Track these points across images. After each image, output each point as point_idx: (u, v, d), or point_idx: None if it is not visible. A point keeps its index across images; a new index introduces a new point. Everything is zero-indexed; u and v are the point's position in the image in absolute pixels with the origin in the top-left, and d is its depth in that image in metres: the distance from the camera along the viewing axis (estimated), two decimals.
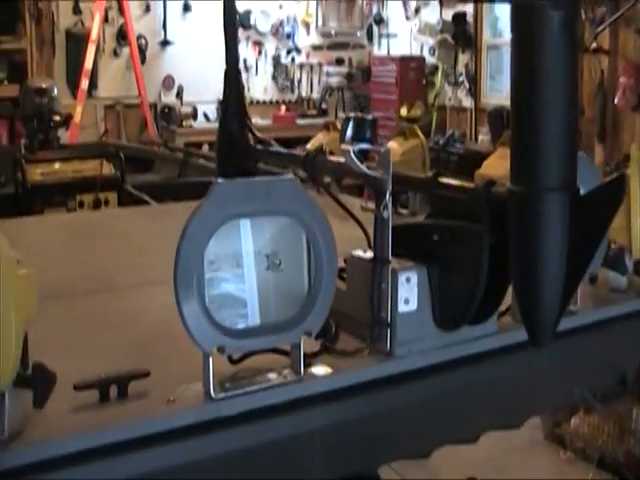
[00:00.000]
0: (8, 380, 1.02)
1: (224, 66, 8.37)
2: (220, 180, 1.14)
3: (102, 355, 1.36)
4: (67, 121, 5.98)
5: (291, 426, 1.22)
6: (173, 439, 1.13)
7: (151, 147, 6.82)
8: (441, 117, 8.99)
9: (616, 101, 6.28)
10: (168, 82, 9.20)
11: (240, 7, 9.31)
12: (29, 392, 1.08)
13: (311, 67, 10.27)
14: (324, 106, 10.29)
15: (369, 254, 1.35)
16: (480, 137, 8.33)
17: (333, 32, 10.17)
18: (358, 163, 1.25)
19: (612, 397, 1.78)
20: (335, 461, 1.27)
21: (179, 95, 9.24)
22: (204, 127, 9.32)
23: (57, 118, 5.80)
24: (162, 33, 8.99)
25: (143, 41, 8.81)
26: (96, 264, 2.07)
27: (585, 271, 1.10)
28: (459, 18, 8.33)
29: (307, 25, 10.06)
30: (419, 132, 2.82)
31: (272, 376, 1.23)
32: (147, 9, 8.81)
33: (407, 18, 9.36)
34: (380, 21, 9.95)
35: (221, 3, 7.95)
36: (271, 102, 10.00)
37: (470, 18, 8.27)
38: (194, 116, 9.40)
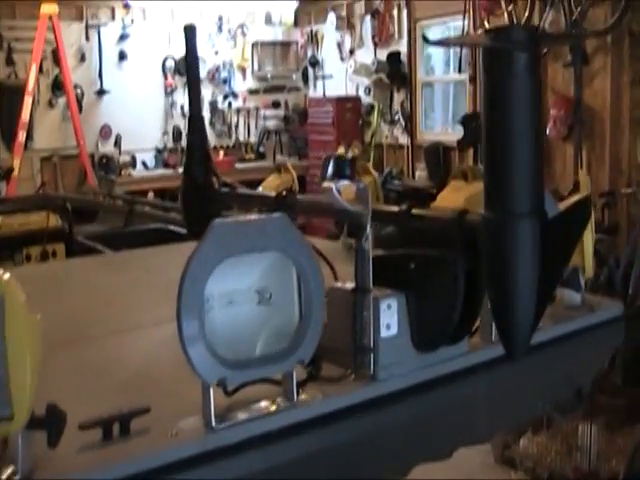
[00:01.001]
0: (23, 422, 1.05)
1: (161, 113, 8.43)
2: (217, 220, 1.21)
3: (94, 400, 1.39)
4: (8, 175, 5.94)
5: (289, 451, 1.28)
6: (178, 471, 1.18)
7: (95, 197, 6.79)
8: (379, 155, 9.21)
9: (547, 132, 6.57)
10: (105, 131, 9.20)
11: (176, 54, 9.43)
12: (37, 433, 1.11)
13: (248, 111, 10.41)
14: (262, 150, 10.43)
15: (348, 285, 1.43)
16: (417, 173, 8.57)
17: (269, 76, 10.36)
18: (340, 199, 1.34)
19: (559, 414, 1.88)
20: None
21: (117, 144, 9.24)
22: (143, 175, 9.34)
23: None
24: (98, 82, 9.01)
25: (79, 91, 8.81)
26: (65, 315, 2.08)
27: (555, 288, 1.20)
28: (393, 57, 8.61)
29: (243, 70, 10.23)
30: (371, 169, 2.95)
31: (266, 404, 1.29)
32: (82, 58, 8.83)
33: (342, 59, 9.61)
34: (315, 63, 10.19)
35: (155, 52, 8.02)
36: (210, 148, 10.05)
37: (404, 57, 8.54)
38: (133, 165, 9.41)
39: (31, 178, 8.57)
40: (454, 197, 1.81)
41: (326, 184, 1.40)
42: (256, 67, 10.29)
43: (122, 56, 9.13)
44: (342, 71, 9.59)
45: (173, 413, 1.28)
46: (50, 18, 7.83)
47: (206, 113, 10.06)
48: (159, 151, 9.62)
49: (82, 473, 1.12)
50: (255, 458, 1.24)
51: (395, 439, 1.44)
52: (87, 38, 8.76)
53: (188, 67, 2.27)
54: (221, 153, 10.08)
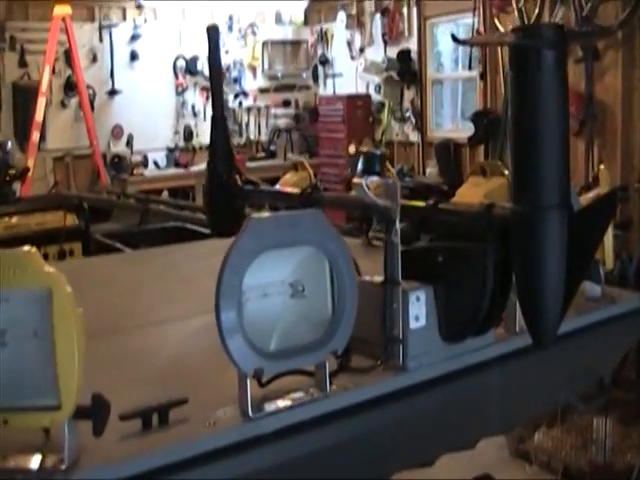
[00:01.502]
0: (70, 412, 1.09)
1: (172, 113, 8.44)
2: (255, 215, 1.24)
3: (129, 391, 1.42)
4: (24, 175, 5.99)
5: (321, 439, 1.32)
6: (216, 459, 1.21)
7: (109, 196, 6.85)
8: (389, 152, 9.23)
9: None
10: (117, 131, 9.25)
11: (187, 54, 9.48)
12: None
13: (258, 110, 10.45)
14: (273, 148, 10.47)
15: (377, 278, 1.46)
16: (428, 170, 8.58)
17: (279, 75, 10.40)
18: (370, 194, 1.37)
19: (582, 404, 1.91)
20: (358, 471, 1.36)
21: (129, 144, 9.29)
22: (155, 175, 9.39)
23: (13, 172, 5.81)
24: (110, 82, 9.06)
25: (91, 91, 8.86)
26: (92, 310, 2.12)
27: (583, 279, 1.23)
28: (404, 55, 8.63)
29: (253, 69, 10.26)
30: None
31: (300, 394, 1.32)
32: (94, 59, 8.88)
33: (352, 58, 9.63)
34: (325, 62, 10.22)
35: (166, 51, 8.06)
36: None
37: (414, 55, 8.56)
38: (145, 164, 9.47)
39: (44, 178, 8.63)
40: (473, 192, 1.84)
41: (356, 180, 1.43)
42: (266, 66, 10.33)
43: (133, 56, 9.18)
44: (352, 69, 9.61)
45: (209, 403, 1.32)
46: (63, 19, 7.87)
47: None
48: (170, 150, 9.67)
49: (124, 461, 1.16)
50: (289, 446, 1.28)
51: (423, 428, 1.47)
52: (100, 39, 8.82)
53: (211, 67, 2.31)
54: None
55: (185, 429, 1.24)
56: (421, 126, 8.64)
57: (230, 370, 1.33)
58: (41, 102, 7.80)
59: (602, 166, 1.96)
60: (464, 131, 7.90)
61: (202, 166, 10.12)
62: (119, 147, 9.28)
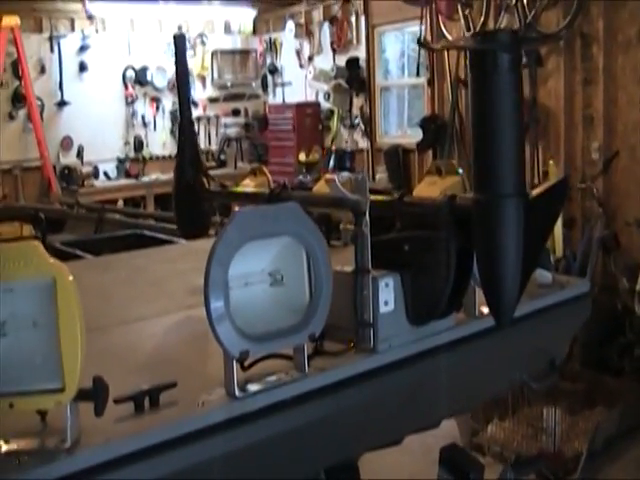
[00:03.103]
0: (72, 394, 1.17)
1: (122, 124, 8.44)
2: (240, 208, 1.34)
3: (121, 379, 1.49)
4: None
5: (301, 416, 1.42)
6: (205, 437, 1.30)
7: (62, 207, 6.83)
8: (339, 160, 9.36)
9: None
10: (67, 143, 9.20)
11: (136, 64, 9.49)
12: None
13: (208, 120, 10.50)
14: (223, 157, 10.53)
15: (347, 268, 1.57)
16: (378, 176, 8.75)
17: (229, 84, 10.47)
18: (342, 189, 1.48)
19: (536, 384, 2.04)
20: (327, 448, 1.47)
21: (79, 155, 9.25)
22: (106, 185, 9.36)
23: None
24: (59, 94, 9.02)
25: (40, 102, 8.80)
26: None
27: (537, 262, 1.35)
28: (352, 63, 8.79)
29: (203, 78, 10.32)
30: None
31: (281, 376, 1.43)
32: (42, 70, 8.82)
33: (301, 66, 9.76)
34: (274, 70, 10.33)
35: (115, 62, 8.06)
36: (170, 157, 10.09)
37: (363, 62, 8.73)
38: (95, 175, 9.43)
39: None
40: (430, 190, 1.96)
41: (328, 175, 1.53)
42: (216, 75, 10.40)
43: (82, 67, 9.15)
44: (301, 78, 9.74)
45: (196, 387, 1.41)
46: (11, 30, 7.82)
47: (167, 122, 10.13)
48: (121, 161, 9.66)
49: (122, 440, 1.24)
50: (272, 424, 1.38)
51: (392, 407, 1.59)
52: (52, 49, 8.77)
53: (178, 75, 2.39)
54: None
55: (175, 410, 1.33)
56: (370, 133, 8.80)
57: (212, 357, 1.43)
58: None
59: (551, 162, 2.11)
60: (412, 137, 8.09)
61: (153, 176, 10.09)
62: (69, 158, 9.23)
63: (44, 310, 1.15)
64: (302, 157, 9.35)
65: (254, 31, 10.60)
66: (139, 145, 9.82)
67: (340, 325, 1.57)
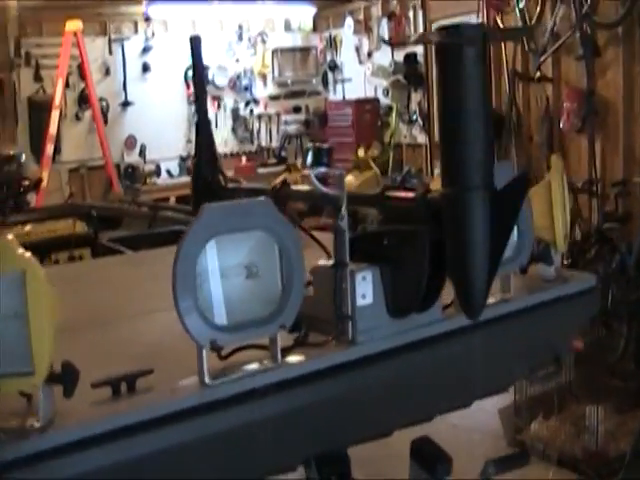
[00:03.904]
0: (42, 377, 1.25)
1: (184, 123, 8.60)
2: (207, 204, 1.39)
3: (108, 368, 1.57)
4: (37, 186, 6.20)
5: (275, 406, 1.46)
6: (178, 422, 1.36)
7: (119, 204, 7.04)
8: (398, 155, 9.35)
9: (562, 125, 6.68)
10: (130, 142, 9.46)
11: None
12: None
13: (269, 117, 10.62)
14: (283, 154, 10.64)
15: (329, 262, 1.61)
16: (436, 171, 8.69)
17: (289, 81, 10.56)
18: (318, 184, 1.52)
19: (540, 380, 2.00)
20: (308, 438, 1.51)
21: (142, 154, 9.50)
22: (167, 183, 9.58)
23: (27, 183, 6.03)
24: (123, 94, 9.28)
25: (104, 103, 9.08)
26: (86, 304, 2.28)
27: (503, 252, 1.36)
28: (410, 58, 8.77)
29: (264, 76, 10.44)
30: (372, 164, 3.09)
31: (255, 365, 1.47)
32: (107, 72, 9.10)
33: (360, 62, 9.78)
34: (334, 67, 10.38)
35: (177, 62, 8.25)
36: (232, 154, 10.27)
37: (421, 57, 8.69)
38: (157, 173, 9.67)
39: (59, 189, 8.85)
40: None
41: (306, 171, 1.57)
42: (276, 73, 10.50)
43: (145, 68, 9.39)
44: (360, 74, 9.77)
45: (175, 376, 1.47)
46: (74, 34, 8.11)
47: (228, 120, 10.31)
48: (183, 159, 9.86)
49: (93, 421, 1.31)
50: (244, 412, 1.42)
51: (375, 400, 1.61)
52: (110, 52, 9.04)
53: (195, 75, 2.46)
54: (243, 159, 10.29)
55: (150, 396, 1.39)
56: (428, 128, 8.76)
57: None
58: (55, 115, 8.03)
59: (554, 155, 2.09)
60: None
61: None
62: (132, 157, 9.49)
63: (17, 301, 1.23)
64: (361, 153, 9.36)
65: (314, 28, 10.67)
66: None
67: (324, 318, 1.61)
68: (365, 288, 1.54)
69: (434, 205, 1.48)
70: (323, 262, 1.63)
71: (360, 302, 1.54)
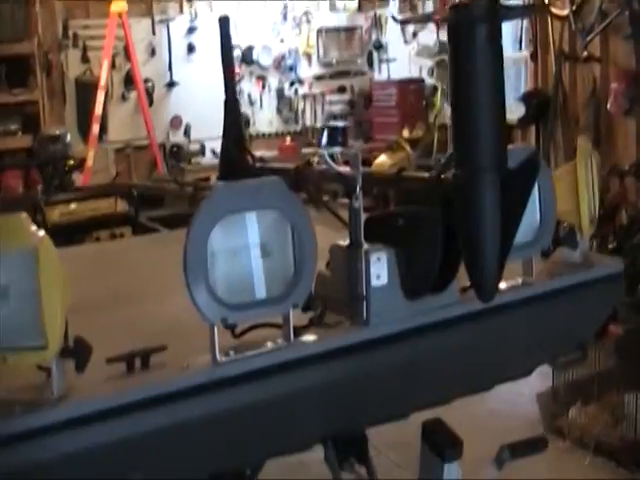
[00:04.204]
0: (55, 351, 1.28)
1: None
2: (221, 182, 1.41)
3: (125, 344, 1.59)
4: (81, 165, 6.29)
5: (285, 385, 1.47)
6: (190, 398, 1.38)
7: (161, 184, 7.12)
8: (443, 136, 9.23)
9: (609, 107, 6.52)
10: (176, 122, 9.51)
11: (242, 44, 9.69)
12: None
13: (314, 97, 10.57)
14: None
15: (347, 242, 1.61)
16: None
17: (334, 61, 10.48)
18: (332, 163, 1.52)
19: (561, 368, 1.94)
20: (322, 418, 1.51)
21: (187, 134, 9.56)
22: (212, 163, 9.61)
23: (71, 162, 6.14)
24: (168, 75, 9.35)
25: (150, 84, 9.15)
26: (112, 281, 2.31)
27: (514, 236, 1.34)
28: None
29: (309, 56, 10.38)
30: (405, 145, 3.06)
31: (268, 344, 1.49)
32: (153, 53, 9.17)
33: (405, 42, 9.67)
34: (379, 47, 10.27)
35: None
36: (277, 134, 10.26)
37: None
38: (202, 153, 9.73)
39: (106, 169, 8.97)
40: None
41: (320, 151, 1.57)
42: (321, 53, 10.43)
43: (190, 48, 9.41)
44: (406, 54, 9.65)
45: (189, 353, 1.49)
46: (119, 15, 8.18)
47: (273, 100, 10.30)
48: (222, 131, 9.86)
49: (106, 395, 1.34)
50: (256, 389, 1.44)
51: (389, 381, 1.61)
52: (154, 32, 9.10)
53: (223, 55, 2.47)
54: (287, 139, 10.28)
55: (162, 372, 1.42)
56: None
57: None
58: (100, 96, 8.13)
59: (581, 137, 2.04)
60: (515, 113, 7.86)
61: (258, 154, 10.30)
62: (178, 137, 9.55)
63: (29, 277, 1.26)
64: (405, 133, 9.28)
65: (359, 8, 10.57)
66: (245, 123, 10.01)
67: (341, 298, 1.61)
68: (380, 269, 1.54)
69: (448, 187, 1.46)
70: (341, 242, 1.63)
71: (374, 283, 1.54)
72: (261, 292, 1.44)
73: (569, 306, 1.91)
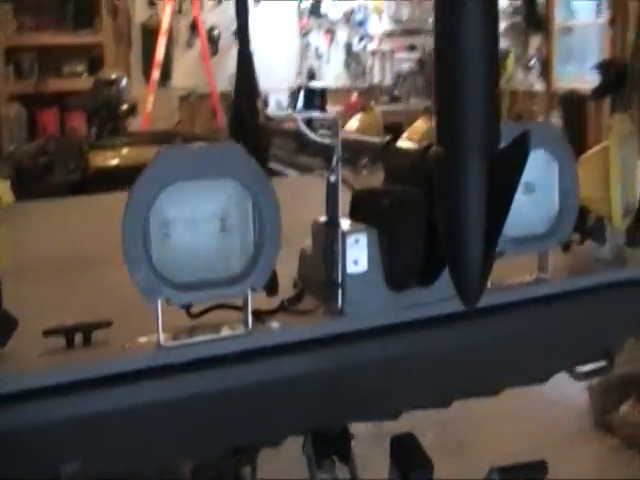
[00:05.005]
0: None
1: (295, 54, 8.41)
2: (165, 147, 1.24)
3: (83, 311, 1.45)
4: (133, 110, 6.24)
5: (239, 377, 1.31)
6: (129, 382, 1.24)
7: (217, 136, 7.03)
8: (514, 103, 8.84)
9: None
10: None
11: None
12: None
13: (383, 54, 10.27)
14: (396, 93, 10.29)
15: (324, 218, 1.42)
16: (552, 121, 8.17)
17: (405, 18, 10.13)
18: (306, 130, 1.33)
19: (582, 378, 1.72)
20: (284, 414, 1.35)
21: None
22: (275, 115, 9.50)
23: (124, 107, 6.09)
24: (234, 24, 9.18)
25: (216, 32, 9.03)
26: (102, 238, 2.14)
27: (501, 227, 1.13)
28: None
29: (379, 12, 10.07)
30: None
31: (223, 329, 1.32)
32: (219, 0, 9.02)
33: None
34: None
35: None
36: (343, 90, 10.05)
37: None
38: (265, 104, 9.59)
39: (170, 115, 8.94)
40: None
41: (295, 115, 1.38)
42: (393, 9, 10.09)
43: None
44: None
45: (140, 330, 1.34)
46: None
47: (341, 55, 10.05)
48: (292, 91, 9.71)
49: (33, 372, 1.21)
50: (204, 380, 1.28)
51: (367, 379, 1.43)
52: None
53: (237, 4, 2.28)
54: (354, 95, 10.03)
55: (104, 351, 1.28)
56: (546, 75, 8.20)
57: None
58: (162, 41, 8.05)
59: (618, 115, 1.78)
60: (591, 82, 7.42)
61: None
62: None
63: None
64: None
65: None
66: (311, 76, 9.82)
67: (320, 281, 1.44)
68: (358, 253, 1.35)
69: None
70: (322, 218, 1.44)
71: (351, 269, 1.36)
72: (214, 271, 1.28)
73: (593, 308, 1.67)
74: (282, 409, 1.38)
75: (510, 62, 8.70)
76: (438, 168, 1.14)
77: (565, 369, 1.74)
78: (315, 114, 1.59)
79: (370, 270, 1.37)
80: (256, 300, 1.35)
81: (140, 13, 8.67)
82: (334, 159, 1.30)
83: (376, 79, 10.29)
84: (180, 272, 1.26)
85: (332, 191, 1.34)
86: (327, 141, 1.31)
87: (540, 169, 1.51)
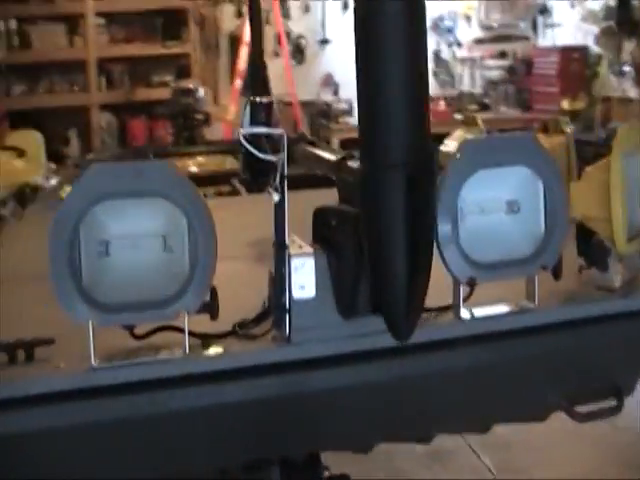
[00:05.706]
0: None
1: None
2: (94, 165, 1.21)
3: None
4: (207, 120, 6.36)
5: (173, 402, 1.26)
6: (55, 402, 1.22)
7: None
8: (606, 109, 8.46)
9: None
10: (327, 80, 9.41)
11: None
12: None
13: (473, 61, 10.04)
14: (486, 101, 10.04)
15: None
16: None
17: (495, 24, 9.88)
18: (250, 147, 1.27)
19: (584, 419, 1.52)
20: (214, 445, 1.29)
21: (336, 92, 9.42)
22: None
23: (199, 117, 6.22)
24: (321, 32, 9.21)
25: (303, 41, 9.09)
26: None
27: (429, 251, 1.03)
28: (624, 3, 7.83)
29: (468, 18, 9.85)
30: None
31: (162, 352, 1.28)
32: (307, 9, 9.07)
33: (572, 6, 8.91)
34: (544, 11, 9.54)
35: None
36: (432, 98, 9.89)
37: (636, 1, 7.73)
38: (350, 113, 9.55)
39: None
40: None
41: (240, 130, 1.33)
42: (482, 15, 9.86)
43: (346, 5, 9.24)
44: (572, 19, 8.91)
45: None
46: None
47: (430, 63, 9.88)
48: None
49: None
50: (136, 404, 1.24)
51: (310, 410, 1.34)
52: None
53: (251, 8, 2.24)
54: (442, 103, 9.86)
55: (37, 370, 1.26)
56: None
57: None
58: (243, 51, 8.16)
59: (623, 126, 1.61)
60: None
61: None
62: (328, 95, 9.45)
63: None
64: (565, 104, 8.59)
65: None
66: None
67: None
68: (304, 277, 1.27)
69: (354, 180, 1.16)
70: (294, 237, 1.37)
71: (298, 294, 1.28)
72: (155, 292, 1.24)
73: (593, 341, 1.53)
74: (216, 436, 1.31)
75: (603, 68, 8.35)
76: (360, 187, 1.06)
77: (560, 406, 1.58)
78: (259, 129, 1.53)
79: (319, 296, 1.29)
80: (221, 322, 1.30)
81: (228, 23, 8.82)
82: (277, 176, 1.24)
83: (466, 87, 10.08)
84: (115, 292, 1.23)
85: (279, 210, 1.27)
86: (271, 158, 1.24)
87: (522, 187, 1.39)
